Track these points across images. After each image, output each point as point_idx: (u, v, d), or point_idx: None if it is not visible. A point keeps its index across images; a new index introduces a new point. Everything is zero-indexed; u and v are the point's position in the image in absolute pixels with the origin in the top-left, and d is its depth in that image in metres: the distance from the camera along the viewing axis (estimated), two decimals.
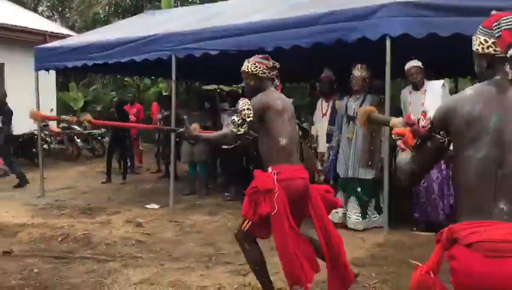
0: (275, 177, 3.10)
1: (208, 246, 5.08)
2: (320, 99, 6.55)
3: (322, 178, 6.06)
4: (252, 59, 3.38)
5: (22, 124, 10.78)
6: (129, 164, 10.55)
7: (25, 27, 12.69)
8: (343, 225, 5.57)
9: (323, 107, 6.43)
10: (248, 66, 3.36)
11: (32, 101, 7.63)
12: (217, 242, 5.20)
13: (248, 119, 3.16)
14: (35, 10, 22.25)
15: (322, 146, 6.26)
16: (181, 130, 3.79)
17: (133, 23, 8.92)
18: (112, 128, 9.62)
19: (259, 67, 3.32)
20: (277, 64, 3.40)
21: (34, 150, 10.70)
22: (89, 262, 4.55)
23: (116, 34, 7.28)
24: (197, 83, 12.81)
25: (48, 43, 9.12)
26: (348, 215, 5.64)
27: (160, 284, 3.99)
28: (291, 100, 3.65)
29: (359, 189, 5.60)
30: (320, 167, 6.17)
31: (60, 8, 25.60)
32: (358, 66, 5.63)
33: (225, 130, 3.49)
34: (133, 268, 4.38)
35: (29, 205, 6.98)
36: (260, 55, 3.45)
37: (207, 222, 6.11)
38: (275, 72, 3.40)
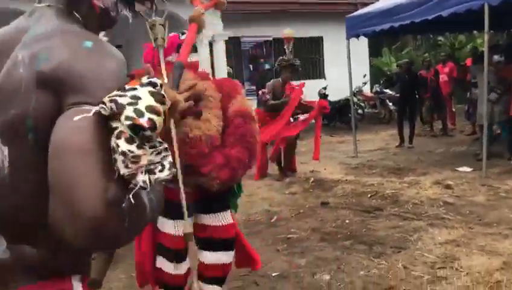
0: None
1: None
2: None
3: None
4: None
5: (339, 92, 11.81)
6: (441, 126, 10.25)
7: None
8: None
9: None
10: None
11: (346, 70, 8.25)
12: None
13: None
14: None
15: None
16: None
17: None
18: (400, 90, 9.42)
19: None
20: None
21: (349, 114, 11.53)
22: (395, 218, 4.71)
23: None
24: None
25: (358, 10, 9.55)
26: None
27: (467, 246, 3.82)
28: None
29: None
30: None
31: None
32: None
33: None
34: (439, 228, 4.31)
35: (344, 164, 7.62)
36: None
37: None
38: None
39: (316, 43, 14.24)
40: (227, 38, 10.57)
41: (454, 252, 3.73)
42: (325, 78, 13.86)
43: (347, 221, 4.75)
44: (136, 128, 0.89)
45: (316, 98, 12.34)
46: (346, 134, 10.37)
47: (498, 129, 7.70)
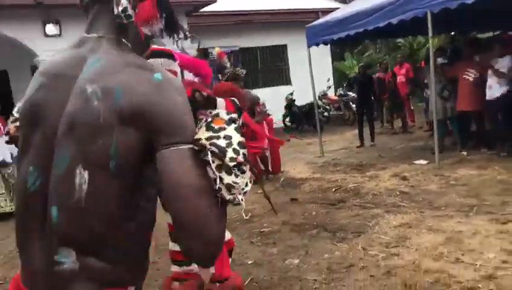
0: None
1: (471, 198, 5.10)
2: None
3: None
4: None
5: (305, 97, 12.37)
6: (401, 125, 10.90)
7: (299, 9, 14.27)
8: None
9: None
10: None
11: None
12: (482, 194, 5.16)
13: None
14: None
15: None
16: None
17: None
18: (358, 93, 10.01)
19: None
20: None
21: (315, 118, 12.08)
22: (356, 208, 5.23)
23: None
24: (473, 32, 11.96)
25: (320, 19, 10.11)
26: None
27: (417, 227, 4.35)
28: None
29: None
30: None
31: None
32: None
33: None
34: (394, 214, 4.84)
35: (311, 163, 8.16)
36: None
37: (474, 175, 6.02)
38: None
39: (280, 51, 14.81)
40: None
41: (406, 233, 4.25)
42: (291, 84, 14.44)
43: (314, 213, 5.25)
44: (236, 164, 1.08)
45: (283, 104, 12.95)
46: (313, 136, 10.90)
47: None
